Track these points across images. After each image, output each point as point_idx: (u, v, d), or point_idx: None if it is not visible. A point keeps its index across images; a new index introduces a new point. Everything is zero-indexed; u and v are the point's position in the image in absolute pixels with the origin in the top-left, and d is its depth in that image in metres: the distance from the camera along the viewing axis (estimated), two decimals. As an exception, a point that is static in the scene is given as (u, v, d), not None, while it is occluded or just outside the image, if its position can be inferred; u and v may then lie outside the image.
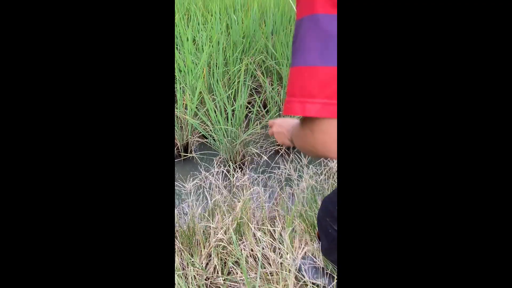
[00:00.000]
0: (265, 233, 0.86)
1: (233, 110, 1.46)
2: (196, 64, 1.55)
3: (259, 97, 1.69)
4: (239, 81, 1.69)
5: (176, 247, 0.83)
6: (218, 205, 0.87)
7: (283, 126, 0.64)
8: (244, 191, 0.89)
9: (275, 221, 0.91)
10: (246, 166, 1.33)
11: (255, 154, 1.47)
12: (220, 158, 1.41)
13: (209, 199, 0.87)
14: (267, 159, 1.31)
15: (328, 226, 0.66)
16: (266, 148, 1.54)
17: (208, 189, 1.00)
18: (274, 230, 0.88)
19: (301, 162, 1.31)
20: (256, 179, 1.13)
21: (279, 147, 1.55)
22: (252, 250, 0.83)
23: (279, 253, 0.79)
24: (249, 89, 1.56)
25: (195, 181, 1.04)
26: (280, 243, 0.79)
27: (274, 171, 1.27)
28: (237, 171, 1.23)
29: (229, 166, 1.35)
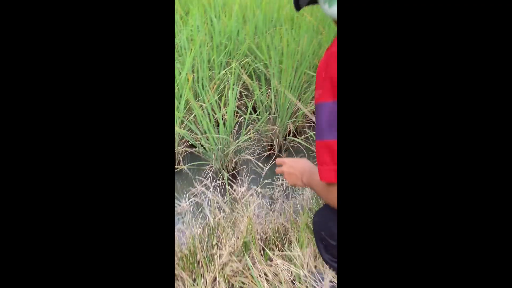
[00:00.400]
0: (273, 250, 0.80)
1: (222, 116, 1.38)
2: (180, 70, 1.46)
3: (249, 101, 1.63)
4: (226, 85, 1.62)
5: (177, 272, 0.76)
6: (220, 224, 0.80)
7: (295, 167, 0.63)
8: (248, 206, 0.83)
9: (283, 235, 0.85)
10: (245, 178, 1.26)
11: (253, 164, 1.41)
12: (211, 167, 1.34)
13: (210, 217, 0.79)
14: (266, 169, 1.25)
15: (322, 238, 0.64)
16: (259, 154, 1.49)
17: (207, 206, 0.92)
18: (283, 246, 0.83)
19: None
20: (257, 190, 1.06)
21: (271, 151, 1.50)
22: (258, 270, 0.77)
23: (291, 272, 0.74)
24: (238, 93, 1.50)
25: (191, 199, 0.96)
26: (294, 263, 0.74)
27: (274, 182, 1.21)
28: (238, 184, 1.16)
29: (222, 176, 1.28)
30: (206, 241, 0.82)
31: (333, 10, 0.45)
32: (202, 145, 1.42)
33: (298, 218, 0.86)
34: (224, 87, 1.65)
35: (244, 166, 1.35)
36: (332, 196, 0.49)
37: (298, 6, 0.51)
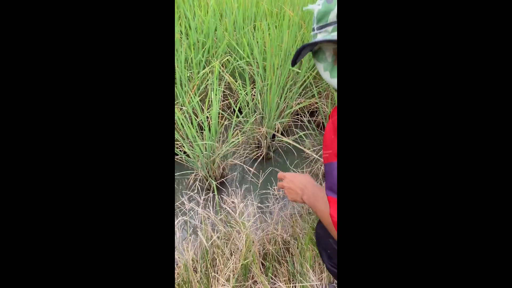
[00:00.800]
0: (277, 268, 0.72)
1: (206, 119, 1.28)
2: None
3: (234, 102, 1.54)
4: (207, 86, 1.52)
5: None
6: (216, 245, 0.71)
7: (295, 183, 0.62)
8: (245, 223, 0.74)
9: (284, 248, 0.78)
10: (238, 188, 1.17)
11: (242, 169, 1.33)
12: (197, 176, 1.23)
13: (202, 238, 0.70)
14: (261, 178, 1.17)
15: (327, 246, 0.63)
16: (247, 157, 1.41)
17: (199, 224, 0.82)
18: (285, 258, 0.76)
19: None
20: (252, 202, 0.98)
21: (258, 154, 1.42)
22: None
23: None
24: (221, 94, 1.40)
25: (179, 218, 0.86)
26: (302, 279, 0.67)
27: (270, 190, 1.13)
28: (229, 194, 1.07)
29: (210, 184, 1.18)
30: (200, 263, 0.72)
31: (334, 80, 0.50)
32: (185, 152, 1.31)
33: (299, 230, 0.79)
34: (205, 87, 1.55)
35: (235, 173, 1.26)
36: (334, 230, 0.51)
37: (294, 63, 0.54)
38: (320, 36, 0.47)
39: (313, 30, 0.49)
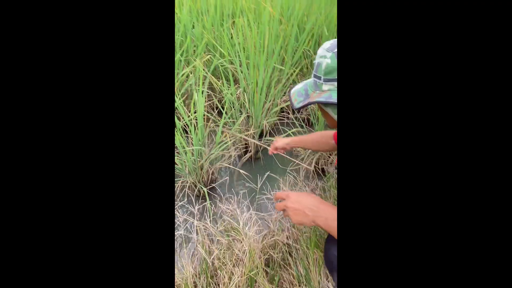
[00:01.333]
0: (282, 275, 0.69)
1: (191, 121, 1.22)
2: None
3: (218, 102, 1.48)
4: (188, 87, 1.45)
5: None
6: (218, 258, 0.67)
7: (302, 203, 0.55)
8: (247, 230, 0.71)
9: (287, 254, 0.75)
10: (234, 194, 1.12)
11: (232, 171, 1.28)
12: (185, 183, 1.17)
13: (202, 253, 0.66)
14: (260, 183, 1.13)
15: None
16: (236, 157, 1.36)
17: (196, 237, 0.77)
18: (288, 264, 0.73)
19: (297, 178, 1.14)
20: (250, 211, 0.94)
21: (247, 154, 1.39)
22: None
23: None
24: (205, 94, 1.34)
25: (176, 233, 0.80)
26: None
27: (266, 194, 1.10)
28: (223, 202, 1.02)
29: (199, 191, 1.12)
30: (201, 278, 0.68)
31: (335, 116, 0.54)
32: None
33: (302, 235, 0.77)
34: (186, 89, 1.48)
35: (227, 178, 1.22)
36: None
37: (299, 109, 0.61)
38: (326, 88, 0.54)
39: (318, 78, 0.55)
